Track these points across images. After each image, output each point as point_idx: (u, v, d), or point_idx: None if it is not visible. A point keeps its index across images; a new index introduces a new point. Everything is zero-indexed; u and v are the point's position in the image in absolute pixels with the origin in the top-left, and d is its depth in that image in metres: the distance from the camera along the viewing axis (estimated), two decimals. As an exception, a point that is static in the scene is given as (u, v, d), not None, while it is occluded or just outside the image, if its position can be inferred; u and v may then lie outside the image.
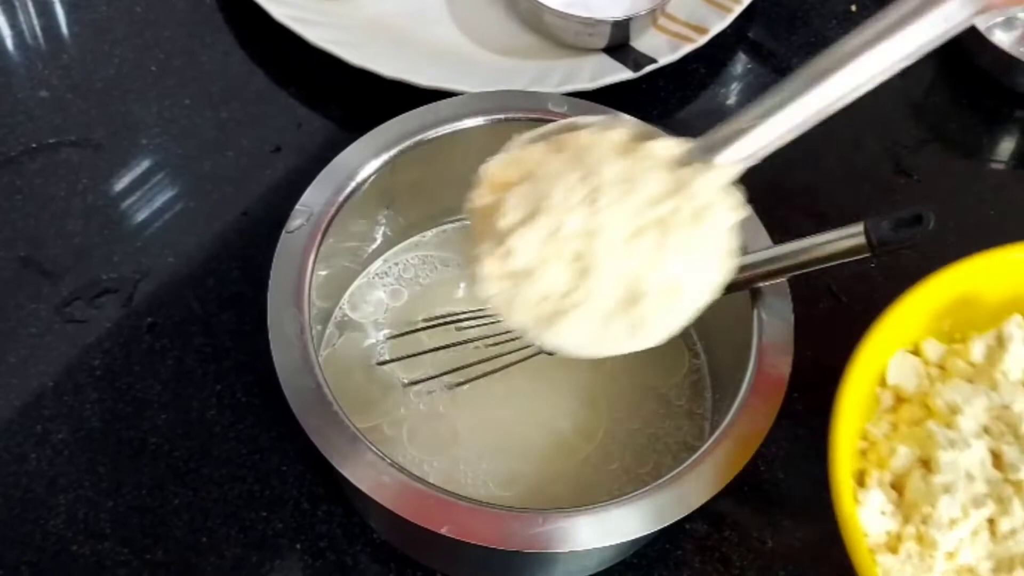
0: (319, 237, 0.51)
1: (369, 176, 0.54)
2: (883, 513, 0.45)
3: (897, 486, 0.47)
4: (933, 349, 0.51)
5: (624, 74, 0.68)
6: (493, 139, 0.57)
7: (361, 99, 0.69)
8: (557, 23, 0.70)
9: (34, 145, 0.66)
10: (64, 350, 0.58)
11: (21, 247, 0.62)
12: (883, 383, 0.50)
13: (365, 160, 0.54)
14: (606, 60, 0.70)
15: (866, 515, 0.45)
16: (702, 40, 0.71)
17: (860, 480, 0.47)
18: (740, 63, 0.75)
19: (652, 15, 0.70)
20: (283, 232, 0.51)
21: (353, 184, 0.53)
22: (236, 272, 0.62)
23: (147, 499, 0.54)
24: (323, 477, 0.55)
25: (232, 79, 0.70)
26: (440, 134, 0.55)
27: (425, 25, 0.73)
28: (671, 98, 0.72)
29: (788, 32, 0.77)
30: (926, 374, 0.50)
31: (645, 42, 0.71)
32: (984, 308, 0.51)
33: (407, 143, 0.55)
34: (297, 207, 0.52)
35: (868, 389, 0.49)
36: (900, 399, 0.50)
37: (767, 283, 0.50)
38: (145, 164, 0.66)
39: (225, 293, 0.61)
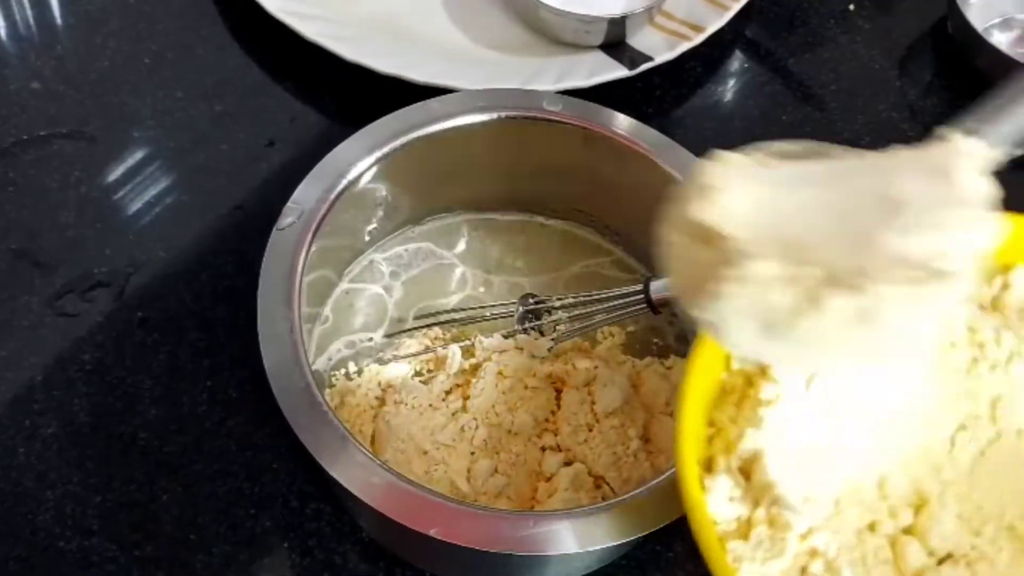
0: (310, 235, 0.51)
1: (361, 173, 0.53)
2: (731, 499, 0.42)
3: (745, 471, 0.43)
4: None
5: (620, 72, 0.68)
6: (487, 136, 0.57)
7: (355, 94, 0.69)
8: (553, 20, 0.70)
9: (27, 137, 0.65)
10: (55, 344, 0.58)
11: (13, 239, 0.61)
12: (729, 369, 0.46)
13: (358, 157, 0.54)
14: (602, 58, 0.70)
15: (714, 502, 0.42)
16: (699, 38, 0.71)
17: (709, 468, 0.43)
18: (737, 62, 0.75)
19: (649, 13, 0.70)
20: (274, 230, 0.51)
21: (345, 181, 0.53)
22: (229, 266, 0.61)
23: (136, 495, 0.54)
24: (313, 475, 0.54)
25: (227, 72, 0.70)
26: (434, 131, 0.55)
27: (421, 21, 0.73)
28: (667, 96, 0.72)
29: (786, 31, 0.77)
30: None
31: (642, 40, 0.70)
32: None
33: (400, 140, 0.54)
34: (288, 204, 0.52)
35: (714, 376, 0.45)
36: (749, 383, 0.46)
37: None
38: (138, 156, 0.66)
39: (218, 287, 0.61)
